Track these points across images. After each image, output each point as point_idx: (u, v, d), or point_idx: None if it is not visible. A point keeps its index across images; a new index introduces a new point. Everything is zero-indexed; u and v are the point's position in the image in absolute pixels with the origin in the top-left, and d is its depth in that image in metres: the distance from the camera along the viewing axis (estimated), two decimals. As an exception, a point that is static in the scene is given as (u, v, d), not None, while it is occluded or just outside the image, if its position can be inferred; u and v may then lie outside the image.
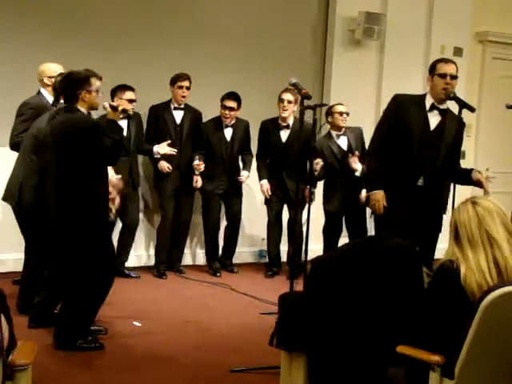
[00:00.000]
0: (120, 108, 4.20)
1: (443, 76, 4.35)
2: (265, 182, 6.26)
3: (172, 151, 5.97)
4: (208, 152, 6.25)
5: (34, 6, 5.99)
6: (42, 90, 5.02)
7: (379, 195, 4.37)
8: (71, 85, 4.11)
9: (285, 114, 6.12)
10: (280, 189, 6.24)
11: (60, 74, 4.65)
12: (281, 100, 6.10)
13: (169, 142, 5.99)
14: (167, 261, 6.29)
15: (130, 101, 5.72)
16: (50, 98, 4.93)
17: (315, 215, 5.94)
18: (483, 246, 2.54)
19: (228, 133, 6.30)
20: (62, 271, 4.31)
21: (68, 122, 4.09)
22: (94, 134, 4.04)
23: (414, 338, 2.64)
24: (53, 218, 4.16)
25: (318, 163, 5.84)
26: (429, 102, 4.42)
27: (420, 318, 2.65)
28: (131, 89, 5.78)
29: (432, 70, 4.43)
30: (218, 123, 6.29)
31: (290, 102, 6.06)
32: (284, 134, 6.22)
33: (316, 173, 5.83)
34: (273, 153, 6.28)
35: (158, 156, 6.03)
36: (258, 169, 6.33)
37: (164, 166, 6.06)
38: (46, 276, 4.55)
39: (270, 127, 6.25)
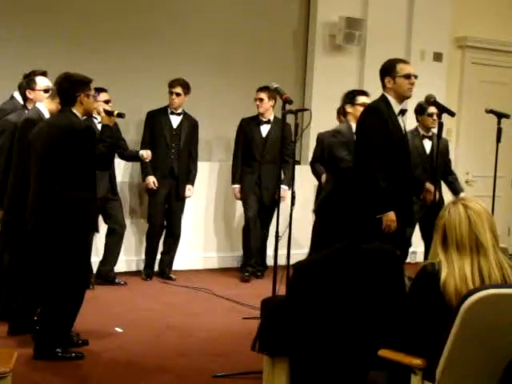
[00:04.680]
0: (115, 112, 4.21)
1: (408, 77, 4.32)
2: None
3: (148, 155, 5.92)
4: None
5: (18, 6, 5.95)
6: (16, 94, 4.98)
7: (393, 216, 4.23)
8: (72, 86, 4.06)
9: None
10: (257, 186, 6.33)
11: (25, 77, 4.66)
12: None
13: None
14: (158, 267, 6.29)
15: (106, 101, 5.71)
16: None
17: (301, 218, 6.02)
18: (470, 251, 2.49)
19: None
20: (41, 277, 4.28)
21: (57, 124, 4.06)
22: (84, 138, 4.00)
23: (396, 341, 2.65)
24: (33, 221, 4.13)
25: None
26: (395, 105, 4.34)
27: (401, 321, 2.66)
28: (104, 90, 5.76)
29: (391, 71, 4.33)
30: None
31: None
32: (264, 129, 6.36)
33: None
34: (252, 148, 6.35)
35: (147, 160, 5.95)
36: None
37: (150, 181, 6.05)
38: (25, 282, 4.51)
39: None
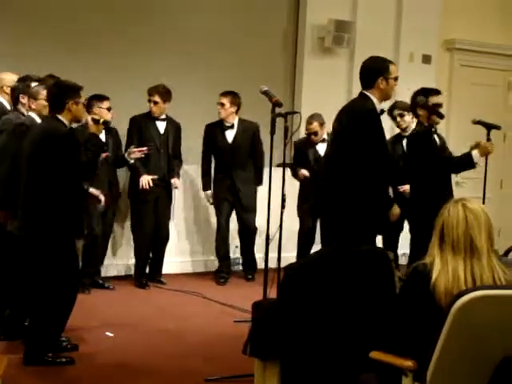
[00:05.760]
0: (101, 120, 4.22)
1: (396, 79, 4.32)
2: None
3: (142, 150, 5.86)
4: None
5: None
6: None
7: (398, 209, 4.40)
8: (61, 92, 4.07)
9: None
10: (229, 192, 6.31)
11: (20, 80, 4.65)
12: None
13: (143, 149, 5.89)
14: (148, 271, 6.28)
15: (109, 109, 5.71)
16: (7, 104, 4.89)
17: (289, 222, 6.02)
18: (465, 252, 2.50)
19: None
20: (30, 283, 4.26)
21: (40, 131, 4.07)
22: (63, 145, 4.00)
23: (387, 343, 2.66)
24: (18, 228, 4.12)
25: (303, 174, 6.14)
26: (378, 106, 4.30)
27: (392, 322, 2.66)
28: (107, 98, 5.76)
29: (385, 71, 4.25)
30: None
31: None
32: (230, 134, 6.33)
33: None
34: (219, 154, 6.35)
35: (132, 161, 5.92)
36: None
37: (145, 181, 5.98)
38: (15, 288, 4.48)
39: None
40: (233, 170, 6.30)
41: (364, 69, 4.33)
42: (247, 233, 6.44)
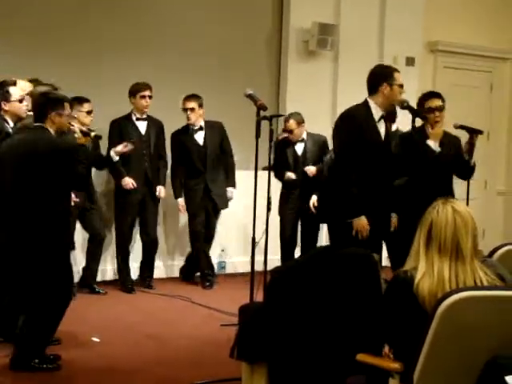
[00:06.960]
0: (92, 134, 4.24)
1: (402, 86, 4.39)
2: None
3: (127, 147, 5.80)
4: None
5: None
6: None
7: (364, 221, 4.23)
8: (44, 104, 4.07)
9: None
10: (204, 195, 6.26)
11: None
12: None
13: (125, 144, 5.83)
14: (140, 275, 6.27)
15: (89, 112, 5.68)
16: None
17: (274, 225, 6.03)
18: (451, 255, 2.49)
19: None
20: (21, 290, 4.23)
21: (39, 141, 4.02)
22: (70, 157, 4.01)
23: (374, 345, 2.66)
24: (10, 236, 4.08)
25: (289, 177, 6.04)
26: (377, 111, 4.34)
27: (378, 325, 2.67)
28: (87, 100, 5.72)
29: (389, 77, 4.33)
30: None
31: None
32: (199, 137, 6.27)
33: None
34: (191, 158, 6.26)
35: (117, 158, 5.85)
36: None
37: (128, 182, 5.97)
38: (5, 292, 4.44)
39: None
40: (206, 172, 6.23)
41: (370, 74, 4.42)
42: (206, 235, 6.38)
